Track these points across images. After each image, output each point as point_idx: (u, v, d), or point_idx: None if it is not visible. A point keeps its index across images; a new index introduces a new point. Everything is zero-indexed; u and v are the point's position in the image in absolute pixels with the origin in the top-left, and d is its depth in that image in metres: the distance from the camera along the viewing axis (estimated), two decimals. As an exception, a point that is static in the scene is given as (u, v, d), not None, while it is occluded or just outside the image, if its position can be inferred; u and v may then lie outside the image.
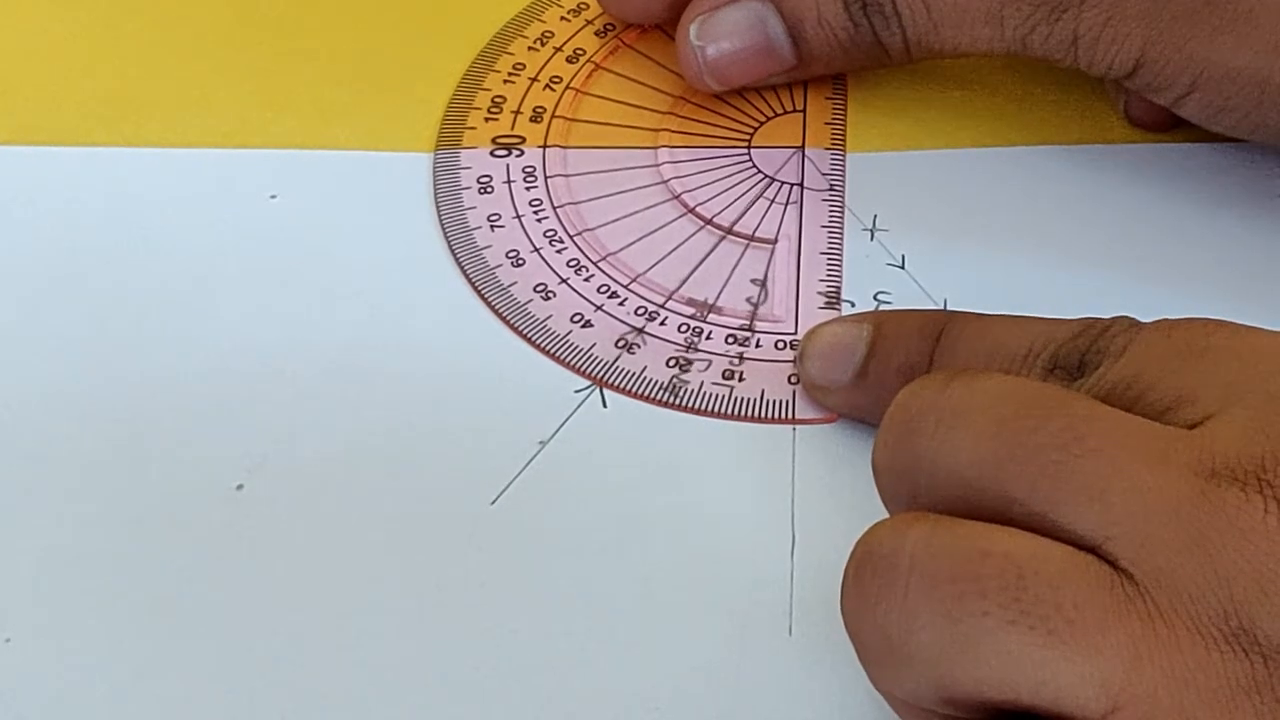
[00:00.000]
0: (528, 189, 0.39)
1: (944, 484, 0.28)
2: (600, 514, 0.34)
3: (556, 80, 0.42)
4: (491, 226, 0.38)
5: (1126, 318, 0.31)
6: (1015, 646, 0.26)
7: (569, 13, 0.43)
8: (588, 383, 0.36)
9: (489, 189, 0.39)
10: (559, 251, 0.38)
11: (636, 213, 0.39)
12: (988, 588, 0.26)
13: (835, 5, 0.39)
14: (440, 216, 0.39)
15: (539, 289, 0.37)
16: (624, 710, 0.31)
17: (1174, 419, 0.28)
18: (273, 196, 0.40)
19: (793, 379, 0.36)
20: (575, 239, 0.38)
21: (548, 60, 0.42)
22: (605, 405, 0.35)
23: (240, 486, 0.34)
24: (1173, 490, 0.26)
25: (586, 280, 0.38)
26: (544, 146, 0.40)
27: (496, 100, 0.41)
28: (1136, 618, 0.26)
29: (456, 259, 0.38)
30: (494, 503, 0.34)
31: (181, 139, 0.41)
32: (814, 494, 0.34)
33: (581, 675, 0.31)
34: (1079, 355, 0.31)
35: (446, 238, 0.38)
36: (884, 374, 0.34)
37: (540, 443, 0.35)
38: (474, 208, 0.39)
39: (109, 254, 0.38)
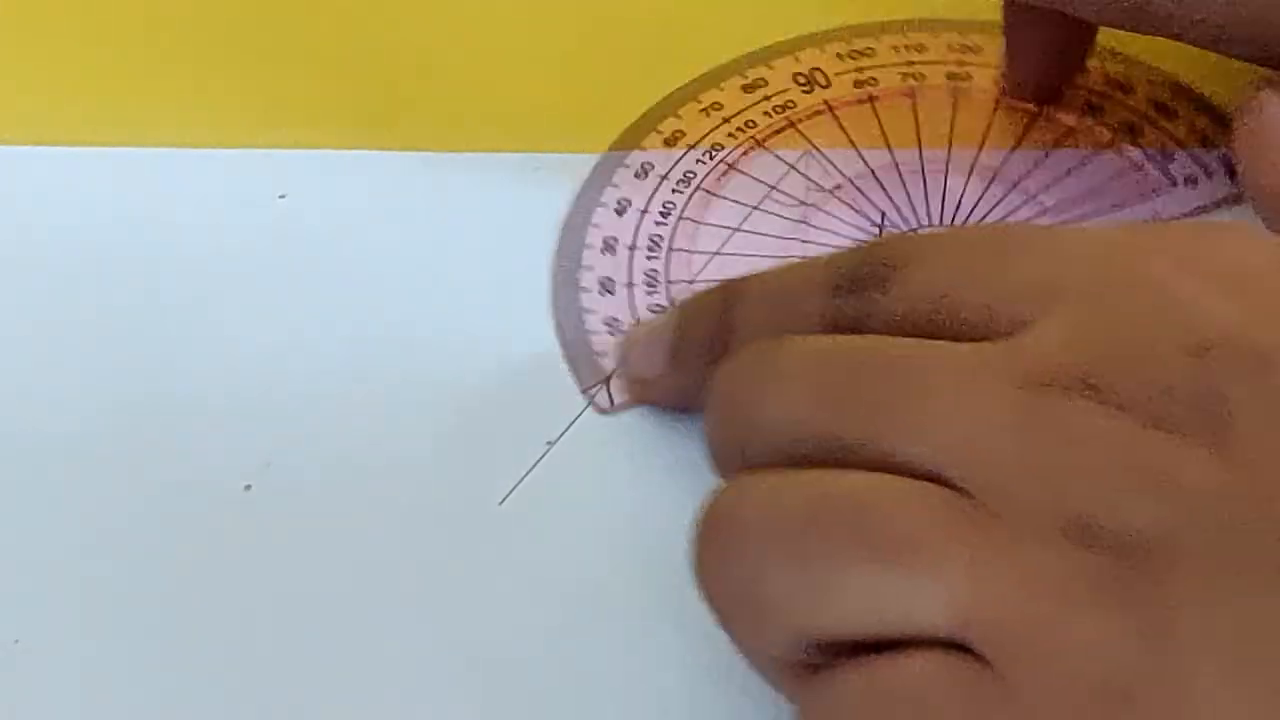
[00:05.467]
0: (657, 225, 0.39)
1: (777, 448, 0.28)
2: (608, 514, 0.34)
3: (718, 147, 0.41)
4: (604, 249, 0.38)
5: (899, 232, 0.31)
6: (863, 581, 0.26)
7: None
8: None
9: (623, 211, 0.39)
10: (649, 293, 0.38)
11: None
12: (831, 529, 0.27)
13: None
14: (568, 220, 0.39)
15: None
16: (631, 710, 0.31)
17: (993, 331, 0.28)
18: (281, 196, 0.40)
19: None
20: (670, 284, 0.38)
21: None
22: (613, 404, 0.35)
23: (248, 487, 0.34)
24: (998, 407, 0.27)
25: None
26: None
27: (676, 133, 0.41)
28: (976, 532, 0.26)
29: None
30: (502, 504, 0.34)
31: (191, 140, 0.41)
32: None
33: (588, 675, 0.31)
34: (859, 268, 0.30)
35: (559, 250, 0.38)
36: (693, 351, 0.34)
37: (548, 443, 0.35)
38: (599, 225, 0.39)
39: (117, 254, 0.38)
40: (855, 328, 0.30)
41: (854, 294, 0.30)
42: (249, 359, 0.36)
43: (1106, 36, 0.41)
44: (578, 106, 0.41)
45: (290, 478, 0.34)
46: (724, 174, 0.40)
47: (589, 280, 0.38)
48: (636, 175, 0.40)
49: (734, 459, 0.30)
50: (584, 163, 0.40)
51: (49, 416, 0.36)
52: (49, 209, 0.40)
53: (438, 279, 0.38)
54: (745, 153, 0.40)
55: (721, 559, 0.28)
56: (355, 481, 0.34)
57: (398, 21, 0.44)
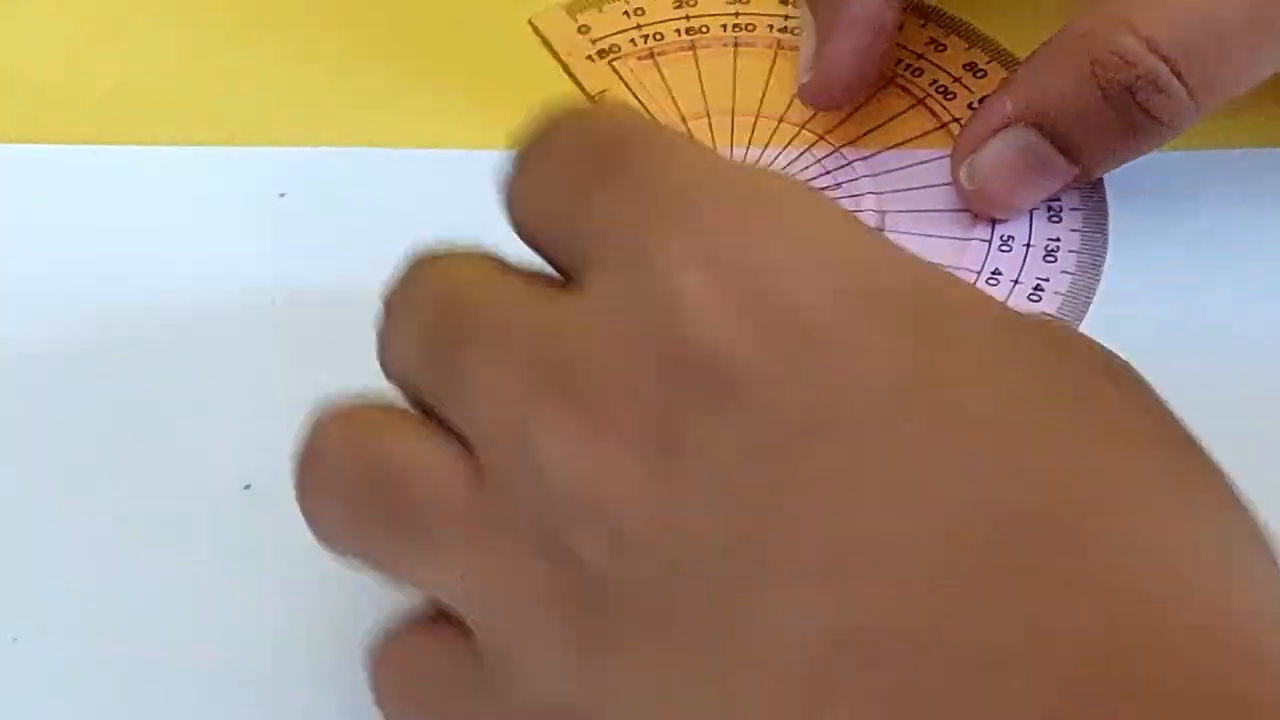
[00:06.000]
0: None
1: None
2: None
3: None
4: None
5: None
6: (388, 544, 0.28)
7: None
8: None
9: None
10: None
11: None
12: (378, 495, 0.28)
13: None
14: None
15: None
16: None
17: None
18: (281, 195, 0.39)
19: None
20: None
21: None
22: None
23: (248, 487, 0.34)
24: (517, 390, 0.26)
25: None
26: None
27: None
28: (477, 525, 0.26)
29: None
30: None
31: (191, 139, 0.41)
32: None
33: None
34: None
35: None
36: None
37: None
38: None
39: (117, 253, 0.38)
40: None
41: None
42: (249, 357, 0.36)
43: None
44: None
45: (290, 478, 0.34)
46: None
47: None
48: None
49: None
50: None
51: (48, 415, 0.36)
52: (48, 208, 0.39)
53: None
54: None
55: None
56: (355, 481, 0.34)
57: (399, 19, 0.44)
